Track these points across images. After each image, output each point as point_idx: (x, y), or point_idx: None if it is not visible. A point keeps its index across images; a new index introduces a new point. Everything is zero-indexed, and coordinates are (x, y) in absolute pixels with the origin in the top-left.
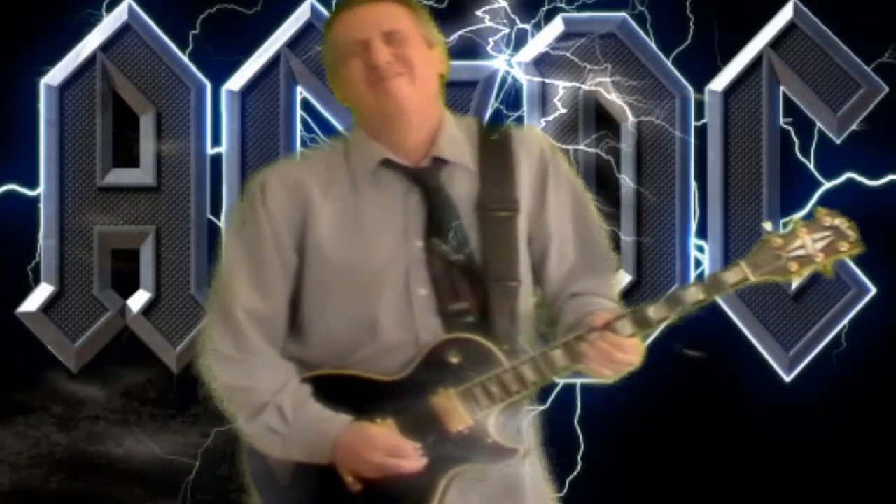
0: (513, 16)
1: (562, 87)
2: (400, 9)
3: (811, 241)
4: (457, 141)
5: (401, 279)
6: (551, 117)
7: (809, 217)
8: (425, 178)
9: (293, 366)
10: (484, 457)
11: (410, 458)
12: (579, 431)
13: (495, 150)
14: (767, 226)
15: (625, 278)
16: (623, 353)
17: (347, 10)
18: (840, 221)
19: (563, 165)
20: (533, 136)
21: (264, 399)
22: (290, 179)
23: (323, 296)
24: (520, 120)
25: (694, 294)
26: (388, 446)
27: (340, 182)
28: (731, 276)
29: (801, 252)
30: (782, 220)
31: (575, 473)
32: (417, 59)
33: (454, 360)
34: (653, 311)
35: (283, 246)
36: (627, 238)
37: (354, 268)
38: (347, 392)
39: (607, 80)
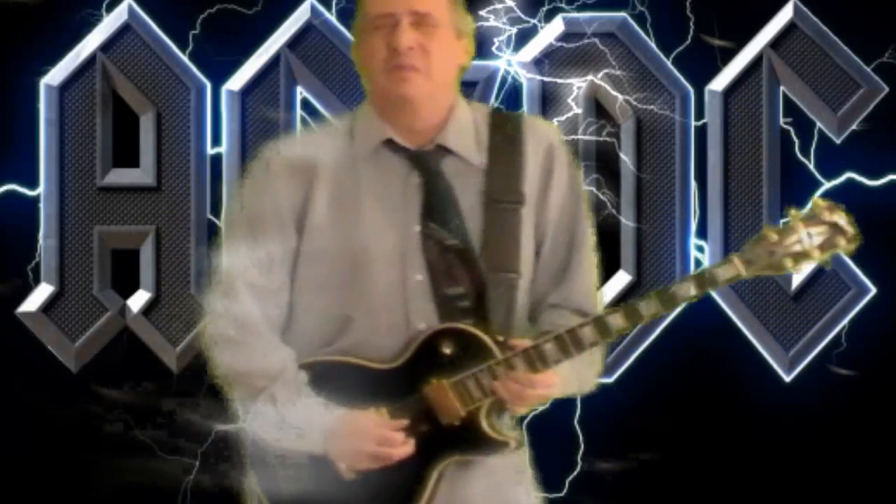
0: (516, 12)
1: (562, 86)
2: None
3: (807, 237)
4: (465, 131)
5: (396, 262)
6: (551, 117)
7: (808, 210)
8: (426, 163)
9: (292, 351)
10: (475, 448)
11: (401, 447)
12: (579, 431)
13: (506, 139)
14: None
15: (625, 278)
16: (533, 390)
17: None
18: (839, 216)
19: (569, 161)
20: (543, 127)
21: (260, 385)
22: (294, 157)
23: (315, 274)
24: None
25: (686, 290)
26: (379, 436)
27: (342, 159)
28: (723, 272)
29: (797, 248)
30: (782, 220)
31: (575, 473)
32: (439, 51)
33: (448, 350)
34: (643, 307)
35: (285, 223)
36: (627, 237)
37: (348, 246)
38: (343, 379)
39: (607, 79)
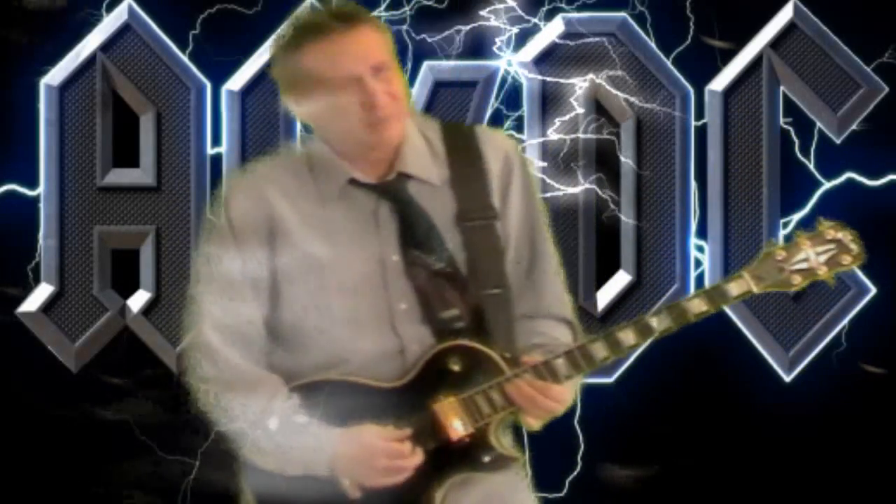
0: (517, 11)
1: (562, 86)
2: (376, 35)
3: (814, 254)
4: (420, 153)
5: (379, 294)
6: (552, 116)
7: (812, 229)
8: (394, 192)
9: (277, 377)
10: (484, 465)
11: (412, 457)
12: (579, 431)
13: (464, 153)
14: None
15: (625, 278)
16: (547, 399)
17: (323, 38)
18: (843, 234)
19: (524, 169)
20: (498, 138)
21: (251, 419)
22: (253, 191)
23: (300, 307)
24: (520, 120)
25: (697, 305)
26: (389, 449)
27: (308, 196)
28: (735, 288)
29: (803, 265)
30: (782, 220)
31: (575, 473)
32: (399, 90)
33: (455, 367)
34: (655, 322)
35: (251, 258)
36: (627, 236)
37: (330, 283)
38: (345, 398)
39: (608, 79)
